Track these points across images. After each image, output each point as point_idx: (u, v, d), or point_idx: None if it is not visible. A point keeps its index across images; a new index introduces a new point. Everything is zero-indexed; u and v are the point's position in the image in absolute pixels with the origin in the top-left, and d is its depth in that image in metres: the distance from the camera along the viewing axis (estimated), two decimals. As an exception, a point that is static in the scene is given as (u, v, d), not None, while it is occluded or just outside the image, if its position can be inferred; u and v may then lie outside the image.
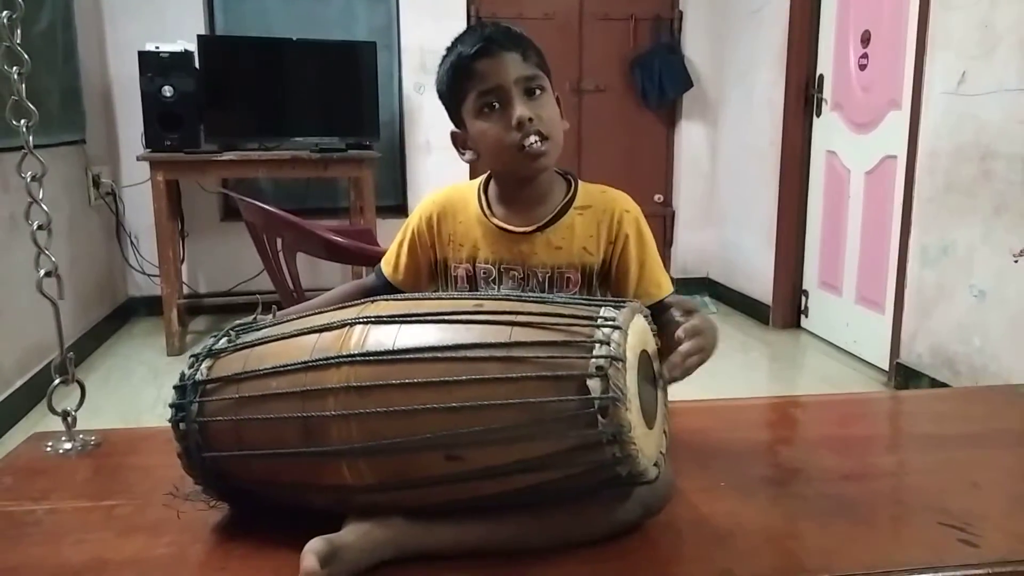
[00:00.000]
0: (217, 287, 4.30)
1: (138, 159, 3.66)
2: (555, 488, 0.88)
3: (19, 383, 2.86)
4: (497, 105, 1.11)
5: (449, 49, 1.17)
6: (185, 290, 4.15)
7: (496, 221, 1.18)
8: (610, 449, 0.83)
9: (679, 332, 0.95)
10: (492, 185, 1.21)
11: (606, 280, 1.18)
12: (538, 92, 1.13)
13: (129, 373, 3.51)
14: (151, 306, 4.09)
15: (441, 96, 1.20)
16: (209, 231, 4.30)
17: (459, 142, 1.21)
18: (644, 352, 0.92)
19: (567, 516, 0.91)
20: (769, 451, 1.29)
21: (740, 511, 1.02)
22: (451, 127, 1.22)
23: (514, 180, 1.18)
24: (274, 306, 1.12)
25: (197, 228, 4.27)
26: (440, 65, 1.18)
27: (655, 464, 0.90)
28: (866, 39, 3.50)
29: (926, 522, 1.01)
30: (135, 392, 3.23)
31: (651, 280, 1.18)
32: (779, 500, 1.09)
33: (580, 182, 1.21)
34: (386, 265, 1.28)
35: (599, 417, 0.82)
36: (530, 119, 1.10)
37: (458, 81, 1.14)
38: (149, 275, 4.13)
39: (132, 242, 4.20)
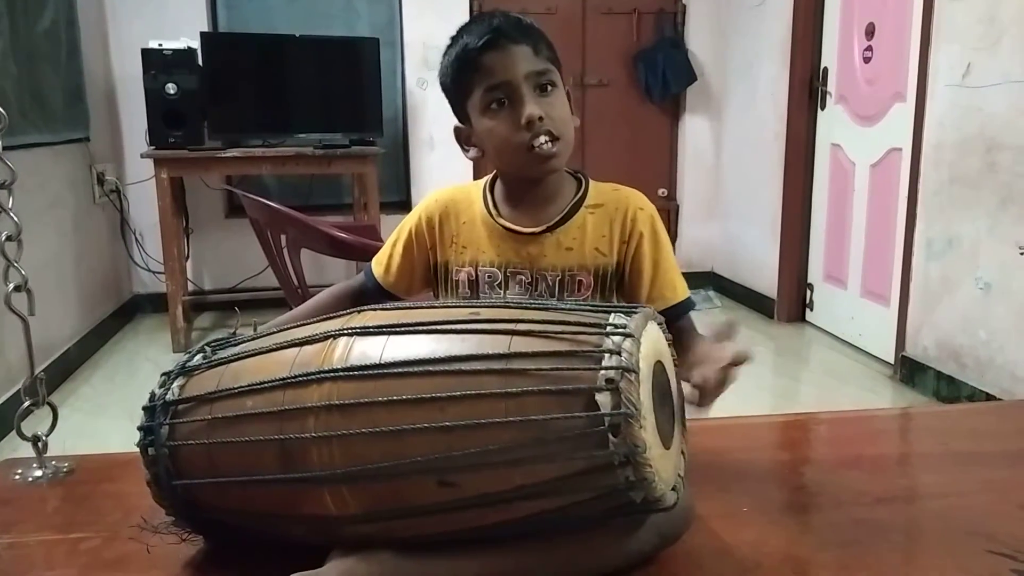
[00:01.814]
0: (222, 284, 4.31)
1: (142, 156, 3.67)
2: (561, 516, 0.79)
3: (24, 380, 2.87)
4: (505, 102, 1.03)
5: (454, 39, 1.09)
6: (190, 287, 4.15)
7: (503, 222, 1.10)
8: (623, 472, 0.75)
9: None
10: (498, 185, 1.14)
11: (622, 284, 1.11)
12: (549, 88, 1.05)
13: (134, 370, 3.52)
14: (156, 303, 4.11)
15: (445, 89, 1.12)
16: (213, 228, 4.31)
17: (463, 138, 1.13)
18: (659, 363, 0.83)
19: (575, 547, 0.82)
20: (794, 472, 1.20)
21: (766, 540, 0.94)
22: (454, 121, 1.14)
23: (522, 180, 1.10)
24: (255, 320, 1.05)
25: (201, 225, 4.27)
26: (444, 55, 1.10)
27: (673, 488, 0.82)
28: (870, 31, 3.48)
29: (973, 550, 0.92)
30: (140, 389, 3.18)
31: (665, 283, 1.10)
32: (808, 527, 1.01)
33: (591, 180, 1.14)
34: (377, 265, 1.19)
35: (610, 436, 0.73)
36: (540, 118, 1.02)
37: (463, 75, 1.06)
38: (154, 272, 4.14)
39: (137, 239, 4.21)
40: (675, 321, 1.07)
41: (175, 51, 3.59)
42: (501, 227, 1.10)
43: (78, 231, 3.61)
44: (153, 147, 3.64)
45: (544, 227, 1.09)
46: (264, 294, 3.70)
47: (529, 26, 1.08)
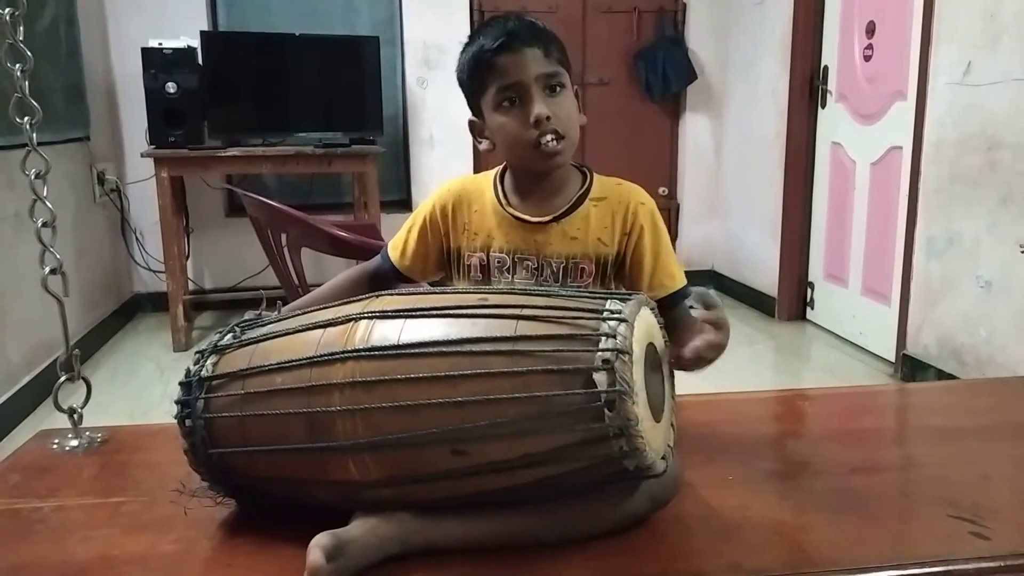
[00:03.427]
0: (222, 283, 4.31)
1: (142, 156, 3.67)
2: (562, 482, 0.87)
3: (27, 379, 2.87)
4: (516, 100, 1.12)
5: (471, 38, 1.16)
6: (190, 286, 4.16)
7: (512, 211, 1.18)
8: (617, 443, 0.82)
9: (702, 321, 0.95)
10: (508, 176, 1.22)
11: (621, 272, 1.18)
12: (558, 89, 1.13)
13: (135, 369, 3.52)
14: (156, 302, 4.12)
15: (461, 85, 1.20)
16: (214, 227, 4.31)
17: (476, 131, 1.21)
18: (651, 345, 0.91)
19: (574, 509, 0.91)
20: (777, 444, 1.28)
21: (748, 505, 1.02)
22: (461, 119, 1.22)
23: (530, 173, 1.18)
24: (279, 301, 1.12)
25: (202, 224, 4.28)
26: (462, 54, 1.17)
27: (662, 457, 0.89)
28: (871, 30, 3.49)
29: (936, 515, 1.00)
30: (142, 388, 3.24)
31: (665, 272, 1.18)
32: (787, 494, 1.08)
33: (595, 174, 1.22)
34: (393, 250, 1.27)
35: (606, 411, 0.81)
36: (548, 117, 1.10)
37: (479, 74, 1.14)
38: (154, 271, 4.14)
39: (137, 238, 4.21)
40: (674, 306, 1.16)
41: (175, 50, 3.59)
42: (511, 216, 1.18)
43: (78, 230, 3.62)
44: (153, 146, 3.64)
45: (551, 217, 1.17)
46: (264, 293, 3.69)
47: (542, 30, 1.15)
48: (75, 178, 3.65)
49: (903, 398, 1.68)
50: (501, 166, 1.23)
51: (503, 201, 1.19)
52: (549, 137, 1.10)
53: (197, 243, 4.28)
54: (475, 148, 1.22)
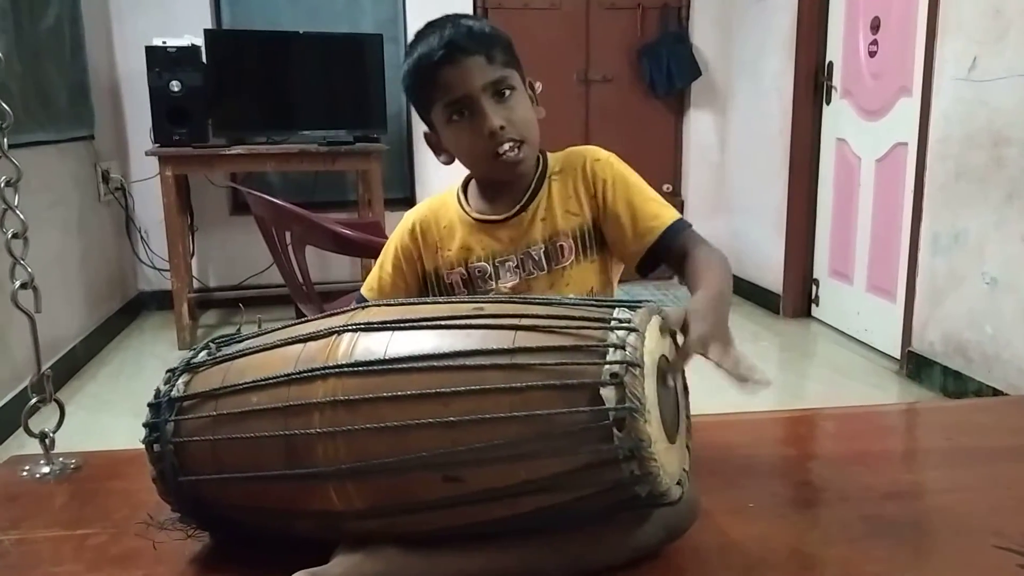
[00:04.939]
0: (227, 281, 4.32)
1: (147, 154, 3.68)
2: (566, 511, 0.79)
3: (31, 377, 2.88)
4: (466, 112, 1.07)
5: (412, 45, 1.11)
6: (195, 284, 4.17)
7: (477, 215, 1.16)
8: (628, 466, 0.74)
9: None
10: (472, 184, 1.19)
11: (603, 237, 1.14)
12: (507, 93, 1.08)
13: (140, 367, 3.53)
14: (161, 300, 4.13)
15: (407, 94, 1.15)
16: (218, 225, 4.32)
17: (433, 144, 1.17)
18: (663, 357, 0.83)
19: (580, 541, 0.82)
20: (799, 468, 1.20)
21: (771, 535, 0.94)
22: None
23: (495, 181, 1.16)
24: (259, 317, 1.06)
25: (206, 222, 4.28)
26: (405, 60, 1.12)
27: (678, 482, 0.81)
28: (876, 25, 3.47)
29: (979, 545, 0.91)
30: (146, 386, 3.18)
31: (646, 214, 1.12)
32: (814, 523, 1.01)
33: (548, 152, 1.18)
34: (369, 291, 1.22)
35: (615, 430, 0.73)
36: (502, 127, 1.06)
37: (423, 88, 1.10)
38: (159, 269, 4.15)
39: (142, 237, 4.22)
40: (673, 245, 1.09)
41: (179, 48, 3.59)
42: (478, 221, 1.15)
43: (83, 229, 3.62)
44: (158, 145, 3.64)
45: (516, 208, 1.14)
46: (269, 291, 3.71)
47: (480, 33, 1.09)
48: (79, 177, 3.66)
49: (932, 416, 1.58)
50: (464, 178, 1.20)
51: (468, 208, 1.16)
52: (508, 146, 1.07)
53: (201, 241, 4.29)
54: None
